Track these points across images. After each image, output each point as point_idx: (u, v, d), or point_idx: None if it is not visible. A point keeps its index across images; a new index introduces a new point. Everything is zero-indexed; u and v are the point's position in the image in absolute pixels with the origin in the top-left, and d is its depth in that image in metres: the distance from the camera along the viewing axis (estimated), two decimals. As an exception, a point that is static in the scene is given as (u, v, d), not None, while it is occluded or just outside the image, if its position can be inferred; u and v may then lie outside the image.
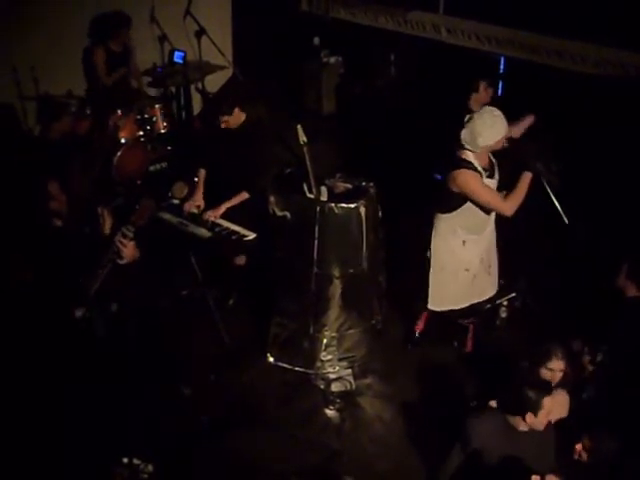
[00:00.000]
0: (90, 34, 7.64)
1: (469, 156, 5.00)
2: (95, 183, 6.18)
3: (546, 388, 4.03)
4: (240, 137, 5.75)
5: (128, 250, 4.76)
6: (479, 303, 5.49)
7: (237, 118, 5.75)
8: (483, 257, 5.35)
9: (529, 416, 3.96)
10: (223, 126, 5.76)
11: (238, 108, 5.72)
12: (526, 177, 4.99)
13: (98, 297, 4.93)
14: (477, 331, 5.66)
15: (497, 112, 4.94)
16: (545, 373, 4.40)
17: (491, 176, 5.08)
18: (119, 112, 6.90)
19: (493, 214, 5.24)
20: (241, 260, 6.04)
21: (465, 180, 4.98)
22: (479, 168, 5.00)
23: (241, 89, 5.83)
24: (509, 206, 5.02)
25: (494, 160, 5.14)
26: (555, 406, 4.36)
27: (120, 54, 7.50)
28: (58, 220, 5.33)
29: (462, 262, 5.29)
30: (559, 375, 4.45)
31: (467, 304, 5.45)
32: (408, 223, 5.89)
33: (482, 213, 5.14)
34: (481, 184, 5.01)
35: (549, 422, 4.10)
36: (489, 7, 7.38)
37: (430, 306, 5.45)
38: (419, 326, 5.77)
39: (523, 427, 4.04)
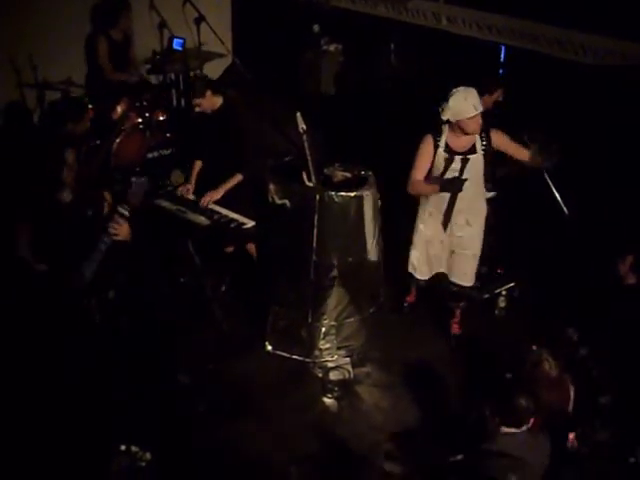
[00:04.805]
0: (90, 22, 7.62)
1: (444, 129, 5.15)
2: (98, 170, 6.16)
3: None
4: (218, 120, 5.77)
5: (122, 230, 4.88)
6: (458, 286, 5.50)
7: (211, 102, 5.75)
8: (444, 240, 5.40)
9: None
10: (197, 110, 5.79)
11: (210, 91, 5.73)
12: (435, 185, 5.16)
13: (96, 284, 4.95)
14: (464, 316, 5.70)
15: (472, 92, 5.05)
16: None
17: (449, 153, 5.14)
18: (124, 100, 6.88)
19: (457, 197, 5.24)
20: (229, 247, 6.04)
21: (421, 141, 5.20)
22: (442, 142, 5.13)
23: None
24: (414, 187, 5.24)
25: (481, 147, 5.15)
26: None
27: (121, 43, 7.46)
28: (68, 193, 5.24)
29: (425, 234, 5.45)
30: None
31: (427, 276, 5.57)
32: (406, 212, 5.87)
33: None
34: (424, 150, 5.16)
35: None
36: (490, -5, 7.35)
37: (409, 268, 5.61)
38: (410, 298, 5.92)
39: None
